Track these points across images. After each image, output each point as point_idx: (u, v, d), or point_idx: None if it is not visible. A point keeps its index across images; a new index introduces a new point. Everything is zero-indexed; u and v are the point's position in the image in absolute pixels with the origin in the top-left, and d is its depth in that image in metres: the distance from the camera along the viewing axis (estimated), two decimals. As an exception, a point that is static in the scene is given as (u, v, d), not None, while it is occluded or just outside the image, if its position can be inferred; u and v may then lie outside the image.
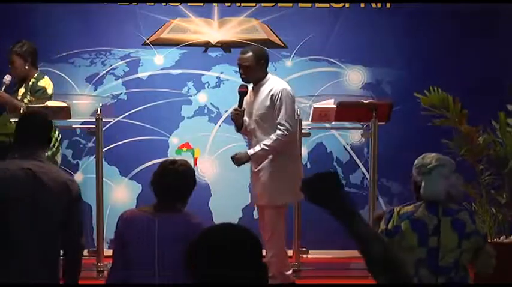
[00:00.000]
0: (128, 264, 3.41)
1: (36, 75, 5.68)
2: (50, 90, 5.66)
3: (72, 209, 3.41)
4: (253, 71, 5.02)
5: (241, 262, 1.92)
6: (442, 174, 3.30)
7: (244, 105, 5.06)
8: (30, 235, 3.31)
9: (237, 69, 6.34)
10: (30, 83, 5.66)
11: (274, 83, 5.05)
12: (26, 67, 5.66)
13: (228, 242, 1.94)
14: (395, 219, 3.29)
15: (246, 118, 5.08)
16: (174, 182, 3.47)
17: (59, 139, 5.68)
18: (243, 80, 5.09)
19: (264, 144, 4.92)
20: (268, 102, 4.98)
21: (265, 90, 5.02)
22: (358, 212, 2.01)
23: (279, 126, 4.92)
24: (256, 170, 5.07)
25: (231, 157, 5.08)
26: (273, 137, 4.91)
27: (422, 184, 3.31)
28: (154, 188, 3.50)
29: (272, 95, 4.98)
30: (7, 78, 5.61)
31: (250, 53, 5.03)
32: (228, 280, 1.89)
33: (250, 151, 5.00)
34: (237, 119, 5.06)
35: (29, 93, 5.63)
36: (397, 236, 3.27)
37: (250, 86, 5.09)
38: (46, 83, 5.67)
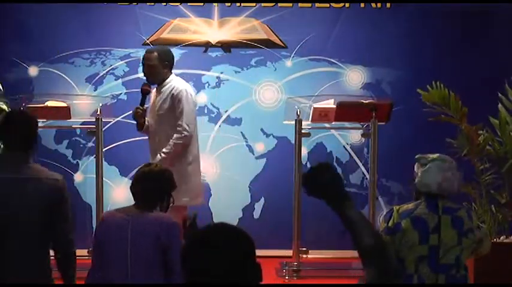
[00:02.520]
0: (103, 264, 3.45)
1: None
2: None
3: (59, 208, 3.37)
4: (157, 71, 5.11)
5: (234, 261, 1.93)
6: (439, 167, 3.34)
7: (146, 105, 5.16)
8: (15, 241, 3.28)
9: (237, 69, 6.40)
10: None
11: (176, 84, 5.13)
12: None
13: (221, 242, 1.95)
14: (395, 217, 3.31)
15: (147, 118, 5.16)
16: (147, 184, 3.52)
17: None
18: (146, 80, 5.16)
19: (162, 153, 4.98)
20: (168, 103, 5.07)
21: (167, 91, 5.10)
22: (351, 201, 2.08)
23: (177, 128, 5.01)
24: None
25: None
26: (170, 142, 4.98)
27: (419, 174, 3.35)
28: (131, 190, 3.56)
29: (173, 95, 5.06)
30: None
31: (156, 53, 5.15)
32: (221, 279, 1.90)
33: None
34: (139, 118, 5.12)
35: None
36: (398, 234, 3.28)
37: (154, 86, 5.17)
38: None
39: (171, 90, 5.08)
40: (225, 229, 2.00)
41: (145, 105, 5.16)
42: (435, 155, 3.40)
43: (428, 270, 3.27)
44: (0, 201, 3.29)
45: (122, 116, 6.25)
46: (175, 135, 5.01)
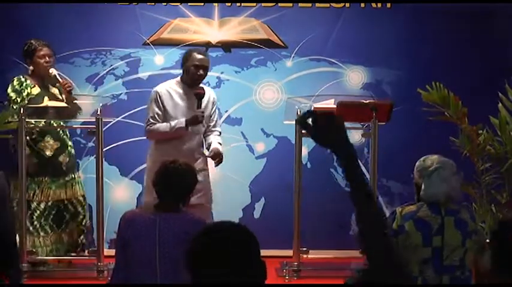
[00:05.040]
0: (130, 264, 3.41)
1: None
2: None
3: None
4: None
5: (239, 259, 1.93)
6: (442, 177, 3.34)
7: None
8: None
9: (237, 69, 6.39)
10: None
11: (209, 88, 5.44)
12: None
13: (227, 240, 1.96)
14: (398, 219, 3.31)
15: (179, 119, 5.17)
16: (176, 182, 3.48)
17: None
18: (200, 82, 5.21)
19: (219, 143, 5.33)
20: (210, 107, 5.29)
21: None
22: (357, 160, 2.11)
23: (218, 130, 5.39)
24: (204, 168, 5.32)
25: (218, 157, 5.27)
26: (218, 134, 5.39)
27: (423, 186, 3.33)
28: (156, 188, 3.51)
29: (214, 99, 5.33)
30: (55, 70, 5.65)
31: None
32: (226, 278, 1.90)
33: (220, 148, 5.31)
34: (201, 121, 5.20)
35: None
36: (401, 236, 3.28)
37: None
38: None
39: (209, 94, 5.29)
40: (230, 228, 2.02)
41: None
42: (435, 161, 3.38)
43: (432, 272, 3.27)
44: None
45: (122, 116, 6.25)
46: (219, 131, 5.39)
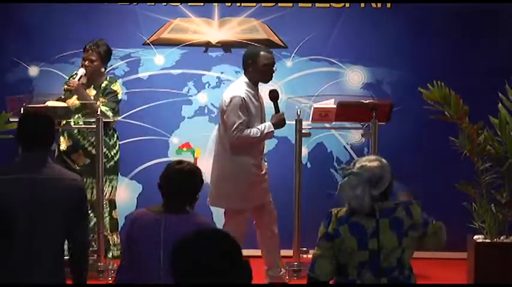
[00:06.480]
0: (134, 264, 3.41)
1: (108, 78, 5.79)
2: (120, 96, 5.78)
3: (78, 207, 3.41)
4: None
5: (222, 263, 1.99)
6: (350, 183, 3.24)
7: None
8: (34, 241, 3.33)
9: (237, 70, 6.38)
10: (103, 85, 5.73)
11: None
12: (102, 69, 5.75)
13: (207, 247, 2.04)
14: (334, 222, 3.25)
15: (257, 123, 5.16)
16: (180, 183, 3.46)
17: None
18: (266, 82, 5.27)
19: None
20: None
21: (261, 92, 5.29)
22: None
23: None
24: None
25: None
26: None
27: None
28: (161, 189, 3.50)
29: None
30: (83, 71, 5.64)
31: None
32: (209, 279, 1.98)
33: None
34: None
35: (100, 95, 5.69)
36: (337, 239, 3.22)
37: (263, 88, 5.29)
38: (118, 87, 5.78)
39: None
40: (209, 234, 2.12)
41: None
42: (356, 167, 3.29)
43: (370, 275, 3.19)
44: (23, 201, 3.32)
45: (122, 116, 6.24)
46: None
